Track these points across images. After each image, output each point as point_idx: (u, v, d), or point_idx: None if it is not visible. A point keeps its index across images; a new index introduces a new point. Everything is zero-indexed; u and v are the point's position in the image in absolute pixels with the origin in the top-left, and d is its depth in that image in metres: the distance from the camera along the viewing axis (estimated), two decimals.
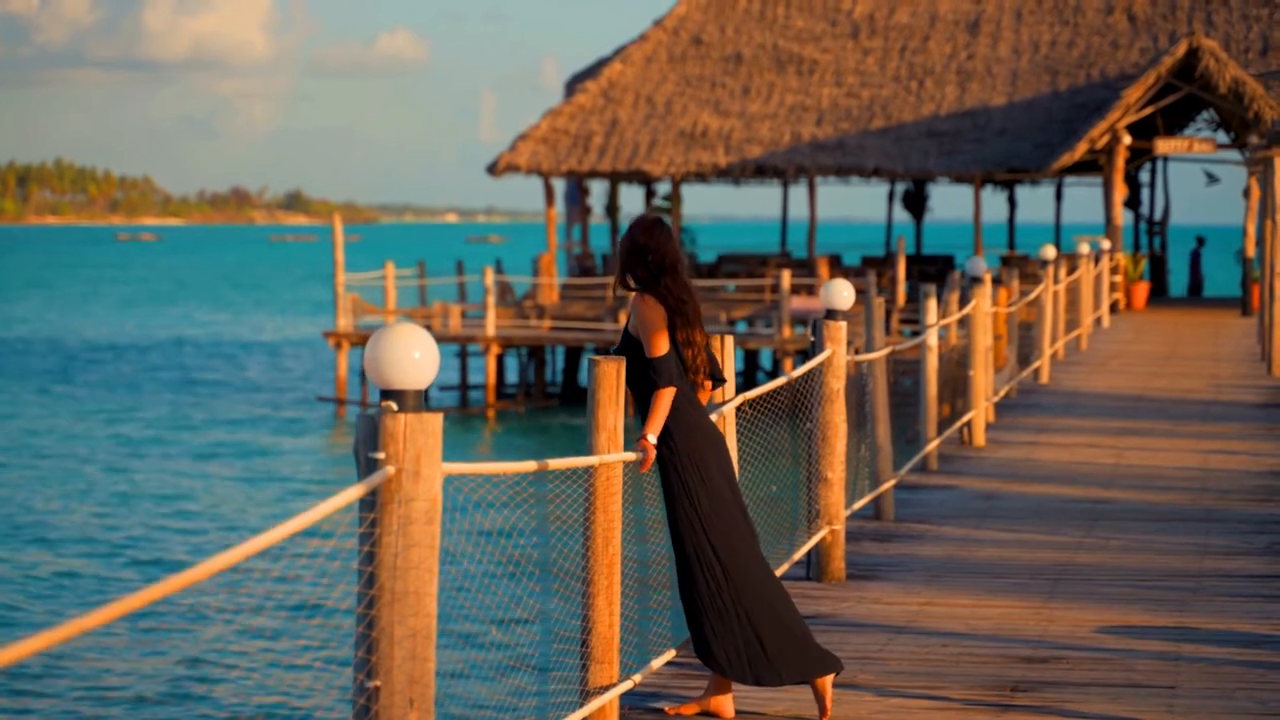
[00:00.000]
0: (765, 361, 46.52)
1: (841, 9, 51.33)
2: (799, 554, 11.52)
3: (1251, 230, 41.91)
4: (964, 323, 19.68)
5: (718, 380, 8.36)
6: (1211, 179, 47.98)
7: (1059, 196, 55.28)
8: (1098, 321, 35.62)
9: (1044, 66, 48.39)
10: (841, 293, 11.43)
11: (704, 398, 8.33)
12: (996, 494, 15.51)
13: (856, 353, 13.59)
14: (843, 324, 11.45)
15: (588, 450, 7.76)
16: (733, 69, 49.95)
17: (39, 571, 24.42)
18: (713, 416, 8.94)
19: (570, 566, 8.11)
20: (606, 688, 7.86)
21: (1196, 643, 9.83)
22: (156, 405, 47.32)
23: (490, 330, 41.57)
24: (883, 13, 51.01)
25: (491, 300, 41.63)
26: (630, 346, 8.14)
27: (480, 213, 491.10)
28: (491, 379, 42.65)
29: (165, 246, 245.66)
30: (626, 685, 8.11)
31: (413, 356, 5.57)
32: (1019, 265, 43.02)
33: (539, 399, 43.93)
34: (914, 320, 39.62)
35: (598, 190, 52.77)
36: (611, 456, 7.73)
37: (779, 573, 11.04)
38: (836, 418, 11.39)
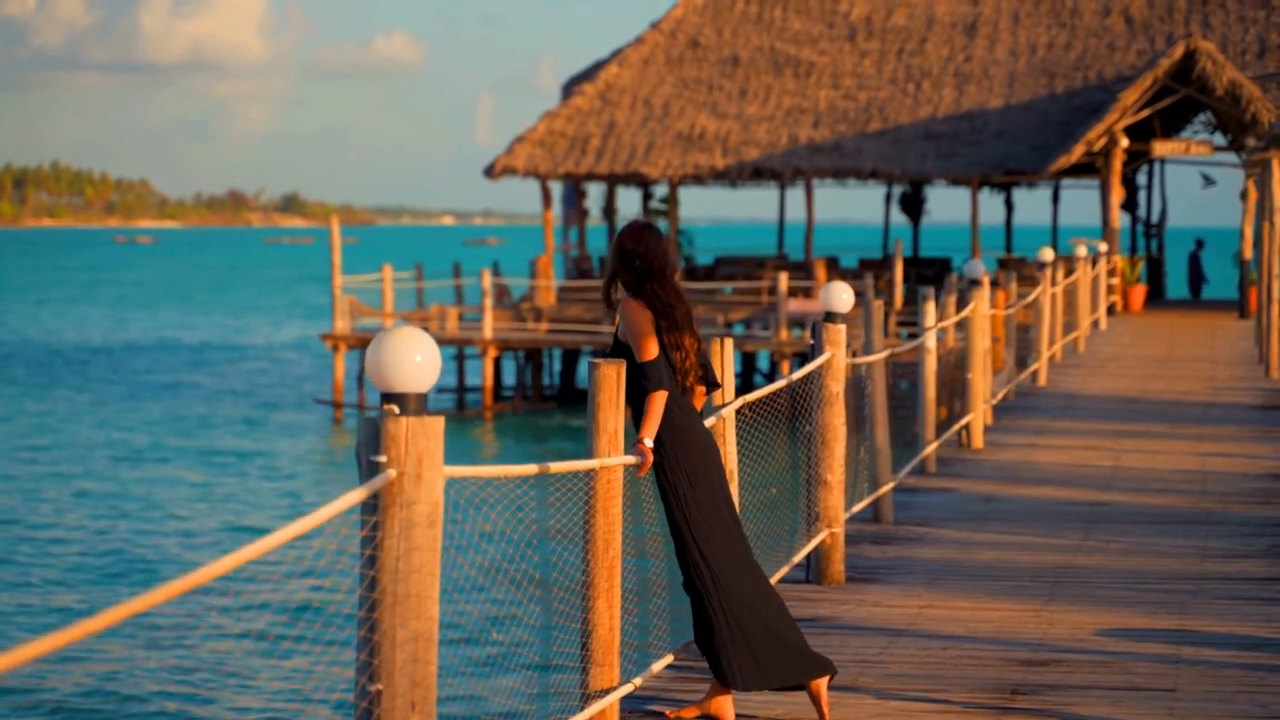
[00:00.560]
0: (763, 364, 46.52)
1: (839, 11, 51.34)
2: (798, 557, 11.52)
3: (1249, 233, 41.90)
4: (962, 325, 19.68)
5: (711, 384, 8.34)
6: (1208, 181, 47.99)
7: (1056, 199, 55.28)
8: (1095, 324, 35.62)
9: (1041, 69, 48.40)
10: (841, 295, 11.42)
11: (698, 402, 8.31)
12: (995, 496, 15.51)
13: (854, 355, 13.58)
14: (842, 327, 11.45)
15: (588, 453, 7.76)
16: (730, 71, 49.96)
17: (31, 577, 24.39)
18: (712, 419, 8.93)
19: (570, 569, 8.10)
20: (607, 691, 7.85)
21: (1197, 645, 9.83)
22: (152, 408, 47.29)
23: (487, 333, 41.56)
24: (880, 15, 51.02)
25: (489, 303, 41.62)
26: (620, 351, 8.12)
27: (477, 215, 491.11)
28: (489, 381, 42.64)
29: (162, 249, 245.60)
30: (627, 688, 8.10)
31: (414, 360, 5.56)
32: (1016, 267, 43.04)
33: (536, 401, 43.92)
34: (912, 323, 39.61)
35: (595, 193, 52.87)
36: (612, 460, 7.73)
37: (779, 575, 11.05)
38: (836, 420, 11.39)
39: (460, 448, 36.05)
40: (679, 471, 8.06)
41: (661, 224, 49.80)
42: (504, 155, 47.80)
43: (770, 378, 43.60)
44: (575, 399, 44.47)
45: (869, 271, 43.79)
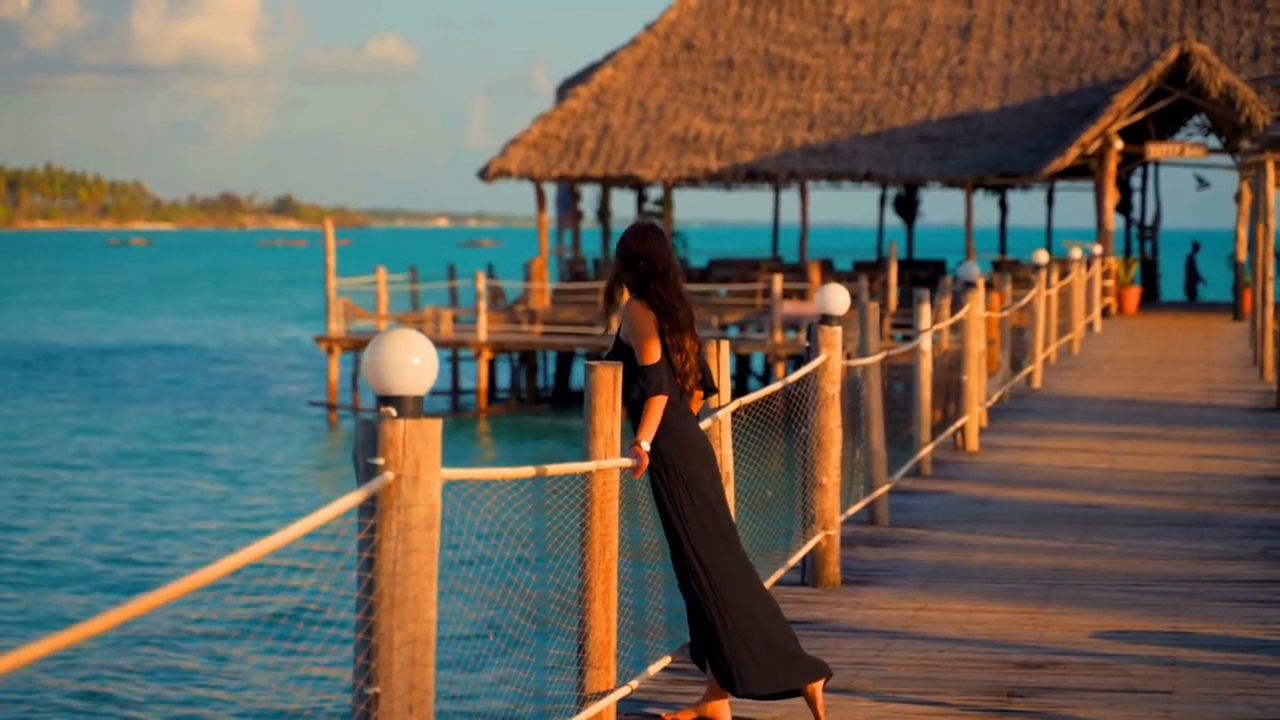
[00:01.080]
0: (757, 366, 46.53)
1: (833, 14, 51.35)
2: (794, 559, 11.51)
3: (1243, 235, 41.94)
4: (957, 328, 19.68)
5: (709, 389, 8.33)
6: (1202, 184, 48.03)
7: (1050, 201, 55.32)
8: (1090, 326, 35.64)
9: (1035, 71, 48.42)
10: (837, 298, 11.41)
11: (695, 406, 8.30)
12: (990, 499, 15.51)
13: (849, 358, 13.58)
14: (838, 329, 11.44)
15: (584, 455, 7.75)
16: (724, 74, 49.96)
17: (24, 580, 24.37)
18: (707, 422, 8.92)
19: (567, 572, 8.10)
20: (603, 693, 7.85)
21: (1193, 648, 9.83)
22: (146, 411, 47.25)
23: (482, 335, 41.56)
24: (874, 18, 51.04)
25: (483, 305, 41.61)
26: (621, 352, 8.12)
27: (471, 218, 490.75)
28: (483, 384, 42.64)
29: (155, 251, 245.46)
30: (624, 691, 8.10)
31: (412, 362, 5.56)
32: (1010, 270, 43.05)
33: (530, 403, 43.92)
34: (906, 325, 39.63)
35: (589, 195, 52.73)
36: (609, 462, 7.73)
37: (774, 578, 11.05)
38: (832, 423, 11.39)
39: (455, 450, 36.02)
40: (675, 476, 8.05)
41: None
42: (498, 158, 47.81)
43: (765, 380, 43.61)
44: (569, 401, 44.48)
45: (864, 274, 43.87)
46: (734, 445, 9.64)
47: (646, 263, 8.10)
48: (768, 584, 10.33)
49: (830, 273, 45.33)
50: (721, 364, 8.98)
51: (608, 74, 49.87)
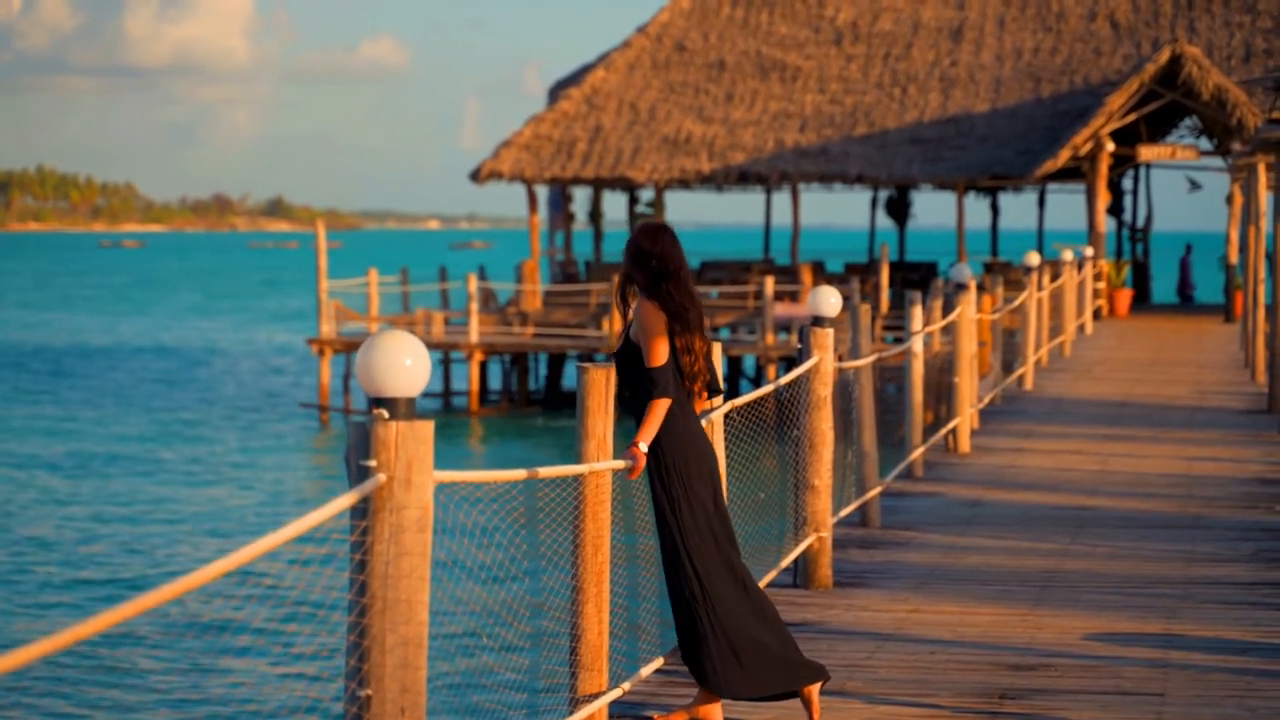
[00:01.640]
0: (749, 368, 46.53)
1: (825, 16, 51.37)
2: (786, 561, 11.51)
3: (1235, 237, 41.97)
4: (948, 330, 19.70)
5: (714, 390, 8.33)
6: (1194, 186, 48.07)
7: (1042, 203, 55.36)
8: (1081, 328, 35.66)
9: (1027, 73, 48.45)
10: (829, 299, 11.41)
11: (699, 407, 8.29)
12: (982, 501, 15.52)
13: (841, 360, 13.59)
14: (829, 331, 11.44)
15: (577, 458, 7.74)
16: (716, 75, 49.97)
17: (21, 581, 24.34)
18: (700, 424, 8.91)
19: (559, 574, 8.09)
20: (595, 696, 7.85)
21: (1185, 650, 9.84)
22: (136, 413, 47.20)
23: (473, 337, 41.54)
24: (866, 20, 51.06)
25: (474, 307, 41.60)
26: (631, 351, 8.10)
27: (463, 219, 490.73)
28: (475, 385, 42.64)
29: (147, 253, 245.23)
30: (615, 693, 8.09)
31: (404, 364, 5.55)
32: (1002, 272, 43.08)
33: (522, 405, 43.90)
34: (898, 327, 39.65)
35: (581, 197, 52.73)
36: (601, 465, 7.72)
37: (766, 580, 11.04)
38: (824, 425, 11.38)
39: (446, 452, 36.00)
40: (674, 478, 8.03)
41: None
42: (490, 159, 47.79)
43: (756, 382, 43.63)
44: (561, 403, 44.48)
45: (855, 276, 43.85)
46: (726, 447, 9.64)
47: (660, 262, 8.08)
48: (759, 586, 10.32)
49: (822, 275, 45.32)
50: (715, 366, 8.97)
51: (599, 76, 49.87)
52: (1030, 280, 26.48)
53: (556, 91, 52.22)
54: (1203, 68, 41.41)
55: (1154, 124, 46.54)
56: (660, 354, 7.99)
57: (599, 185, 50.27)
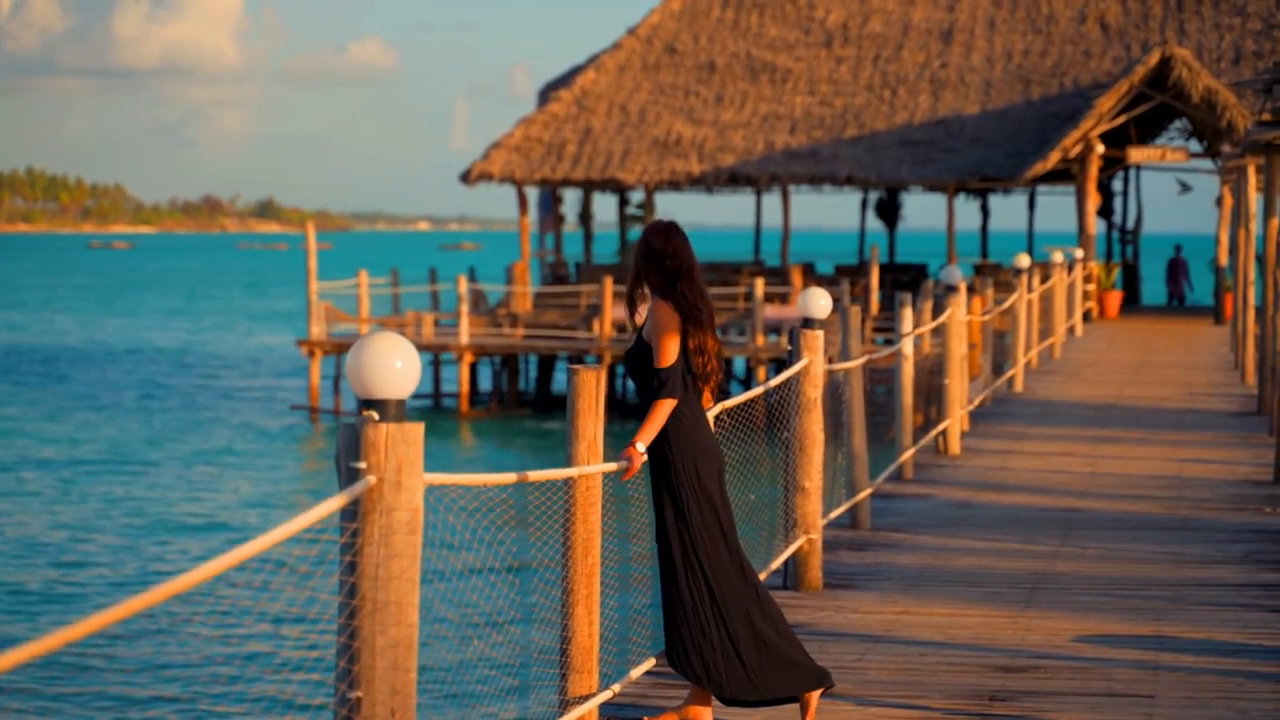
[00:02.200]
0: (739, 370, 46.55)
1: (815, 18, 51.39)
2: (776, 563, 11.51)
3: (1224, 239, 42.02)
4: (938, 331, 19.70)
5: (721, 391, 8.32)
6: (1184, 188, 48.11)
7: (1032, 205, 55.37)
8: (1071, 330, 35.69)
9: (1017, 75, 48.49)
10: (819, 301, 11.40)
11: (705, 406, 8.25)
12: (972, 503, 15.52)
13: (831, 361, 13.58)
14: (820, 333, 11.43)
15: (567, 460, 7.74)
16: (706, 77, 49.97)
17: (9, 583, 24.31)
18: (709, 424, 8.90)
19: (550, 575, 8.09)
20: (586, 697, 7.84)
21: (1175, 652, 9.84)
22: (125, 415, 47.16)
23: (463, 338, 41.53)
24: (856, 22, 51.08)
25: (465, 308, 41.60)
26: (641, 350, 8.07)
27: (453, 221, 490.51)
28: (465, 387, 42.62)
29: (137, 254, 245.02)
30: (606, 695, 8.09)
31: (394, 366, 5.55)
32: (992, 273, 43.12)
33: (512, 407, 43.89)
34: (888, 329, 39.67)
35: (571, 198, 52.73)
36: (592, 468, 7.72)
37: None
38: (814, 427, 11.38)
39: (436, 453, 35.98)
40: (683, 478, 7.99)
41: (636, 230, 49.79)
42: (480, 161, 47.79)
43: (747, 384, 43.65)
44: (551, 404, 44.48)
45: (845, 277, 43.90)
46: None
47: (673, 261, 8.04)
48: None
49: (812, 276, 45.33)
50: None
51: (589, 77, 49.87)
52: (1020, 282, 26.50)
53: (546, 93, 52.22)
54: (1192, 70, 41.48)
55: (1144, 126, 46.60)
56: (670, 354, 7.97)
57: (589, 187, 50.27)
